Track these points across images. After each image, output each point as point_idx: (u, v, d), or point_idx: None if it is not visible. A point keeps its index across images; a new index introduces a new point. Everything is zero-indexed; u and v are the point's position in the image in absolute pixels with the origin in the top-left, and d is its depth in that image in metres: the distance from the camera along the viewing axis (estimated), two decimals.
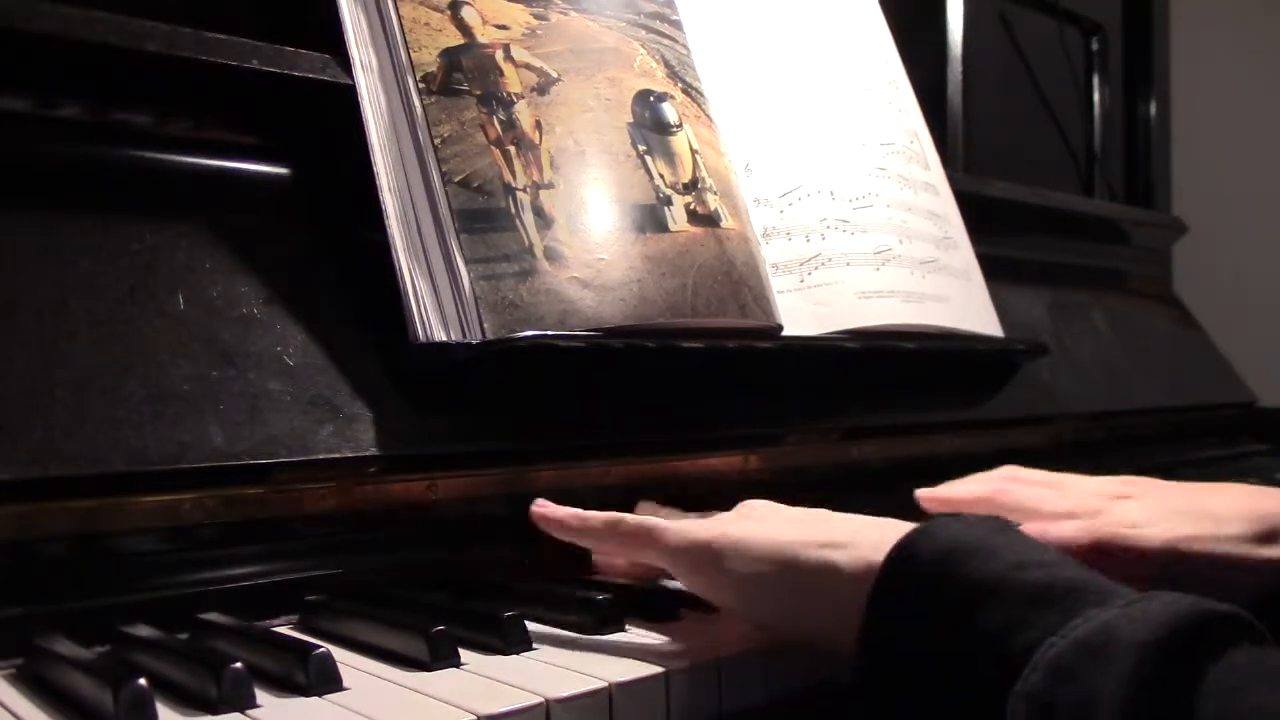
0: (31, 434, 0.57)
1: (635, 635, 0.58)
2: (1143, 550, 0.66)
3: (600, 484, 0.78)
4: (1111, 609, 0.42)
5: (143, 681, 0.45)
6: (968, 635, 0.44)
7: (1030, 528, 0.67)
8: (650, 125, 0.82)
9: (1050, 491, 0.75)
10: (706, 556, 0.56)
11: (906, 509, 0.76)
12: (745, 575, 0.54)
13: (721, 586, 0.56)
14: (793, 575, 0.52)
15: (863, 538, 0.51)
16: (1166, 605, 0.42)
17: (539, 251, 0.73)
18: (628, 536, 0.60)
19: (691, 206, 0.81)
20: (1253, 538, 0.68)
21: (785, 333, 0.86)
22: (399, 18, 0.75)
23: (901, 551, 0.48)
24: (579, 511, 0.63)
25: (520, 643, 0.55)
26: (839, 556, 0.51)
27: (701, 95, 0.88)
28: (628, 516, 0.61)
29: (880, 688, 0.47)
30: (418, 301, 0.70)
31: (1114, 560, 0.66)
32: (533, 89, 0.78)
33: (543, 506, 0.66)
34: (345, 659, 0.53)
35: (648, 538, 0.59)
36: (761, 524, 0.57)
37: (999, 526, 0.50)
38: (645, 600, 0.62)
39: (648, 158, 0.81)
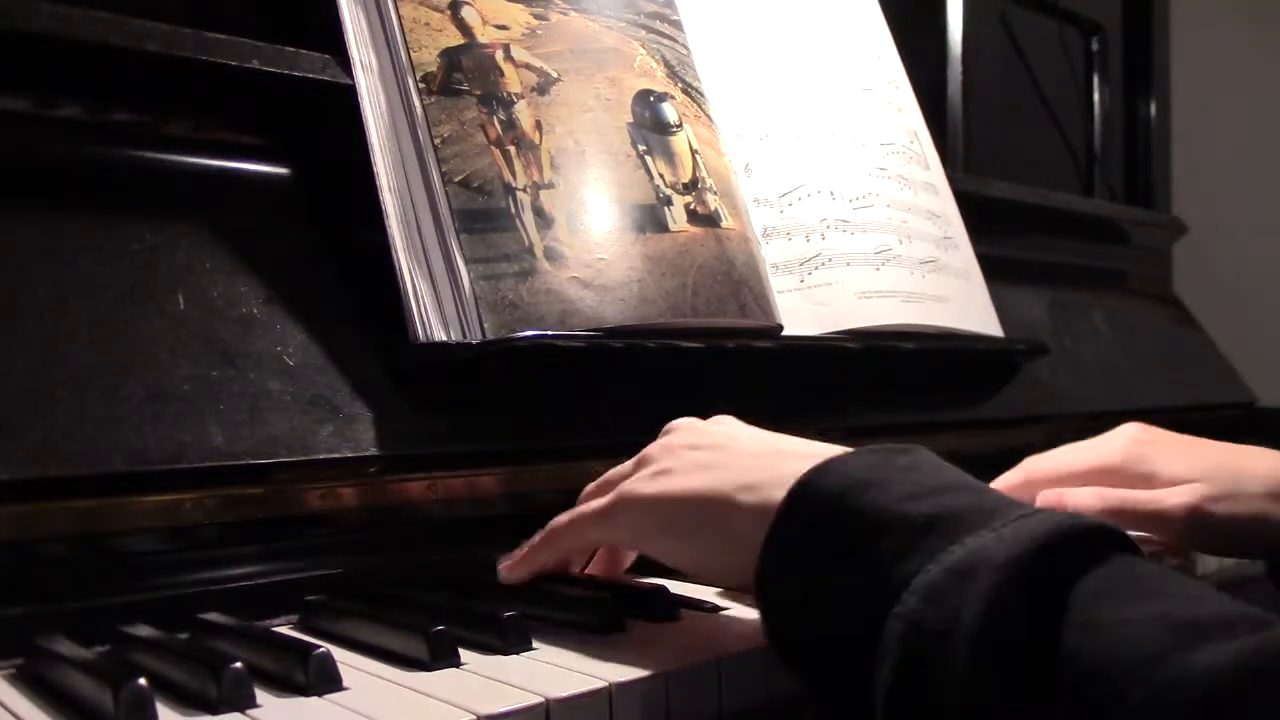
0: (31, 434, 0.57)
1: (635, 635, 0.58)
2: (1162, 514, 0.69)
3: None
4: (986, 533, 0.42)
5: (143, 681, 0.45)
6: (857, 567, 0.45)
7: (1046, 496, 0.71)
8: (650, 125, 0.82)
9: (1068, 453, 0.77)
10: (630, 519, 0.58)
11: None
12: (660, 533, 0.57)
13: (654, 543, 0.58)
14: (706, 523, 0.54)
15: (769, 476, 0.52)
16: (1037, 523, 0.42)
17: (539, 251, 0.73)
18: (563, 534, 0.62)
19: (691, 206, 0.81)
20: (1274, 497, 0.69)
21: (785, 333, 0.86)
22: (399, 18, 0.75)
23: (798, 490, 0.48)
24: (522, 547, 0.65)
25: (520, 643, 0.55)
26: (746, 499, 0.52)
27: (701, 95, 0.88)
28: (556, 520, 0.63)
29: (777, 620, 0.49)
30: (418, 301, 0.70)
31: (1132, 523, 0.69)
32: (533, 89, 0.78)
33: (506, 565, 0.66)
34: (345, 659, 0.53)
35: (573, 529, 0.61)
36: (670, 479, 0.57)
37: (897, 455, 0.50)
38: (645, 600, 0.62)
39: (648, 158, 0.81)
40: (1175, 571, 0.43)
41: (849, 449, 0.52)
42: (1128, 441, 0.76)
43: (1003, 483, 0.78)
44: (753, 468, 0.53)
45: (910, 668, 0.41)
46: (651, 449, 0.60)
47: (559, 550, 0.64)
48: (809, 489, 0.48)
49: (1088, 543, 0.42)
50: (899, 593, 0.42)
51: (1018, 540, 0.41)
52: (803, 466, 0.49)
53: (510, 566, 0.65)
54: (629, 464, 0.62)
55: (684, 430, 0.62)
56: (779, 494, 0.49)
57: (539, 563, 0.64)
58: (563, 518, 0.62)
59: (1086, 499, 0.70)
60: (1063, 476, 0.76)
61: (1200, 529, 0.70)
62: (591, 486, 0.64)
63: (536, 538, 0.64)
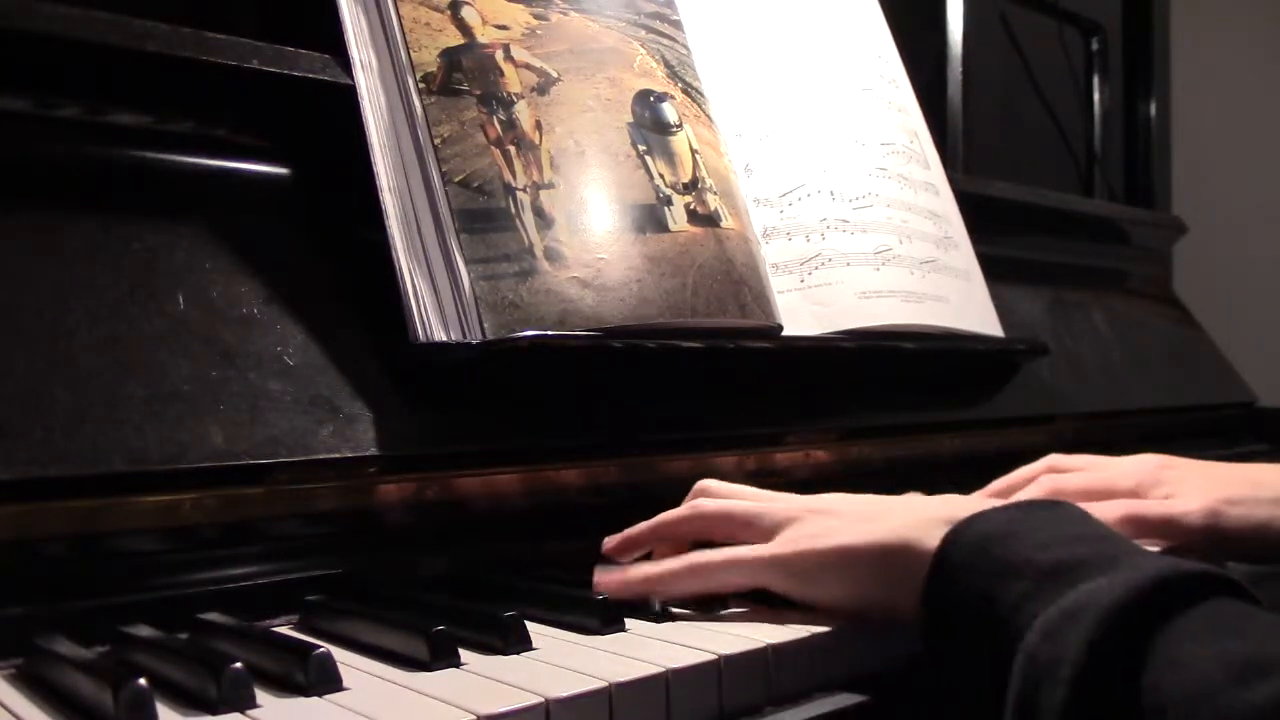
0: (31, 434, 0.57)
1: (635, 635, 0.58)
2: (1178, 522, 0.70)
3: (600, 483, 0.78)
4: (1099, 580, 0.48)
5: (143, 681, 0.45)
6: (995, 609, 0.51)
7: None
8: (650, 125, 0.82)
9: (1091, 474, 0.81)
10: (804, 567, 0.61)
11: None
12: (827, 581, 0.60)
13: (818, 589, 0.61)
14: (883, 567, 0.59)
15: (930, 524, 0.57)
16: (1143, 571, 0.47)
17: (539, 251, 0.73)
18: (715, 571, 0.63)
19: (691, 206, 0.81)
20: None
21: (785, 333, 0.86)
22: (399, 18, 0.75)
23: (948, 539, 0.55)
24: (642, 568, 0.65)
25: (520, 642, 0.55)
26: (911, 546, 0.58)
27: (701, 95, 0.88)
28: (706, 557, 0.63)
29: (937, 651, 0.55)
30: (418, 301, 0.70)
31: (1150, 533, 0.72)
32: (533, 89, 0.78)
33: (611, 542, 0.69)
34: (345, 659, 0.53)
35: (729, 570, 0.63)
36: (838, 520, 0.62)
37: (1034, 507, 0.57)
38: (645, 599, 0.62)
39: (648, 158, 0.81)
40: (1268, 613, 0.47)
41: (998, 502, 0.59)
42: (1147, 465, 0.79)
43: (1021, 478, 0.83)
44: (916, 520, 0.59)
45: (1026, 696, 0.46)
46: (792, 505, 0.65)
47: (705, 588, 0.63)
48: (957, 539, 0.55)
49: (1187, 587, 0.46)
50: (1025, 630, 0.48)
51: (1123, 585, 0.46)
52: (956, 515, 0.56)
53: (625, 586, 0.63)
54: (746, 508, 0.65)
55: (801, 497, 0.67)
56: (938, 540, 0.56)
57: (675, 592, 0.63)
58: (714, 556, 0.63)
59: (1107, 511, 0.73)
60: (1091, 494, 0.79)
61: (1216, 534, 0.72)
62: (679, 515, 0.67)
63: (675, 566, 0.63)
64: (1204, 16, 1.94)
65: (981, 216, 1.12)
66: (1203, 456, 1.37)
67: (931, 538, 0.56)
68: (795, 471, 0.91)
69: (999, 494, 0.84)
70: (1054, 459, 0.85)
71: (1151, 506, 0.74)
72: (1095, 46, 1.68)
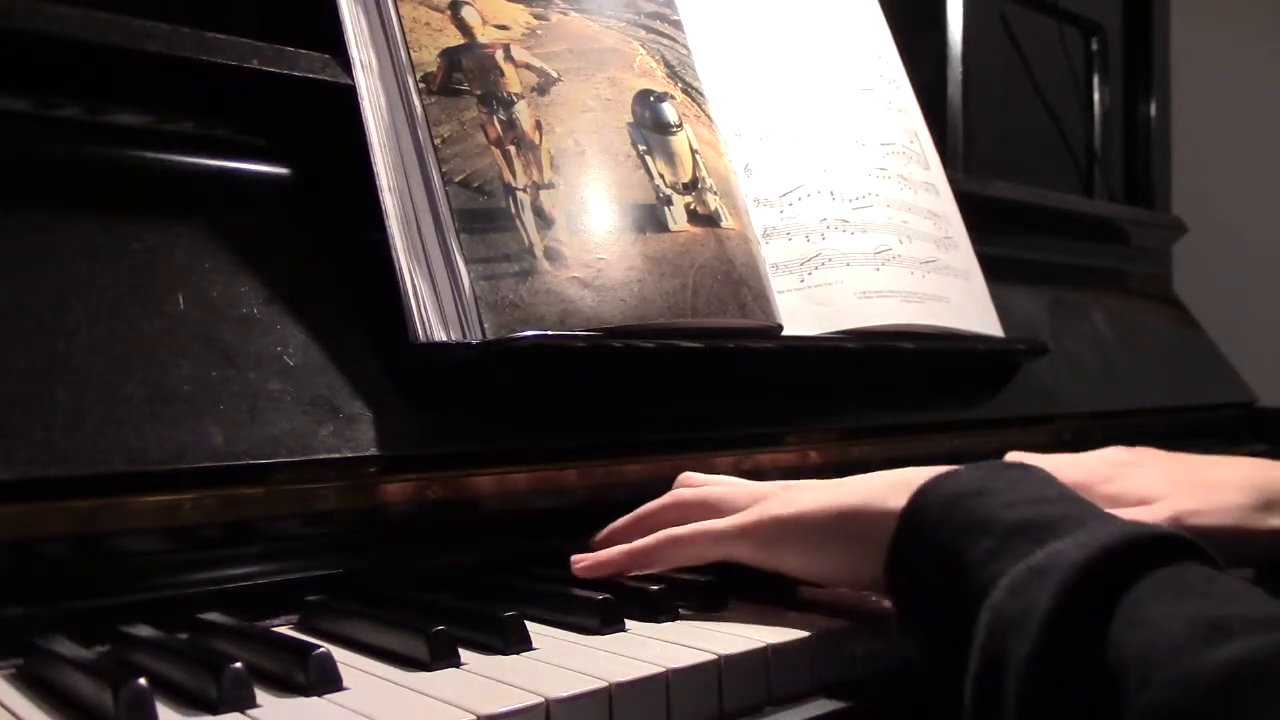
0: (31, 434, 0.57)
1: (635, 635, 0.58)
2: None
3: (600, 483, 0.78)
4: (1066, 539, 0.48)
5: (143, 681, 0.45)
6: (962, 564, 0.52)
7: None
8: (650, 125, 0.82)
9: (1061, 461, 0.78)
10: (767, 534, 0.62)
11: None
12: (794, 545, 0.62)
13: (782, 556, 0.63)
14: (842, 530, 0.60)
15: (892, 490, 0.58)
16: (1110, 531, 0.47)
17: (539, 251, 0.73)
18: (683, 544, 0.65)
19: (691, 206, 0.81)
20: (1255, 508, 0.69)
21: (785, 333, 0.86)
22: (399, 18, 0.75)
23: (918, 497, 0.56)
24: (615, 550, 0.67)
25: (520, 642, 0.55)
26: (875, 508, 0.58)
27: (701, 95, 0.88)
28: (674, 532, 0.66)
29: (904, 608, 0.56)
30: (418, 301, 0.70)
31: None
32: (533, 89, 0.78)
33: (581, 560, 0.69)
34: (345, 659, 0.53)
35: (696, 542, 0.65)
36: (804, 494, 0.64)
37: (1004, 468, 0.57)
38: (645, 599, 0.62)
39: (648, 158, 0.81)
40: (1231, 577, 0.47)
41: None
42: (1100, 462, 0.77)
43: None
44: (877, 485, 0.60)
45: (991, 651, 0.47)
46: (765, 486, 0.68)
47: (673, 561, 0.66)
48: (926, 496, 0.55)
49: (1154, 549, 0.47)
50: (990, 586, 0.49)
51: (1090, 545, 0.47)
52: (919, 481, 0.56)
53: (598, 565, 0.66)
54: (722, 492, 0.68)
55: (784, 482, 0.69)
56: (901, 501, 0.56)
57: (642, 566, 0.66)
58: (683, 530, 0.65)
59: None
60: None
61: None
62: (655, 506, 0.70)
63: (648, 542, 0.66)
64: (1204, 16, 1.94)
65: (981, 216, 1.12)
66: (1202, 456, 1.37)
67: (895, 499, 0.57)
68: (795, 472, 0.91)
69: None
70: (1016, 456, 0.83)
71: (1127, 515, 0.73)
72: (1095, 46, 1.68)
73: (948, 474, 0.57)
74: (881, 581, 0.57)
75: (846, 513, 0.60)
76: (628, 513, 0.71)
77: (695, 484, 0.71)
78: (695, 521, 0.67)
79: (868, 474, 0.64)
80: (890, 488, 0.58)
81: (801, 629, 0.58)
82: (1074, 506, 0.53)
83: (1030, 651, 0.45)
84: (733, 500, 0.67)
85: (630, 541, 0.68)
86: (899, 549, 0.56)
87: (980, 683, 0.47)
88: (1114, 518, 0.52)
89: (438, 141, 0.73)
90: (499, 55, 0.78)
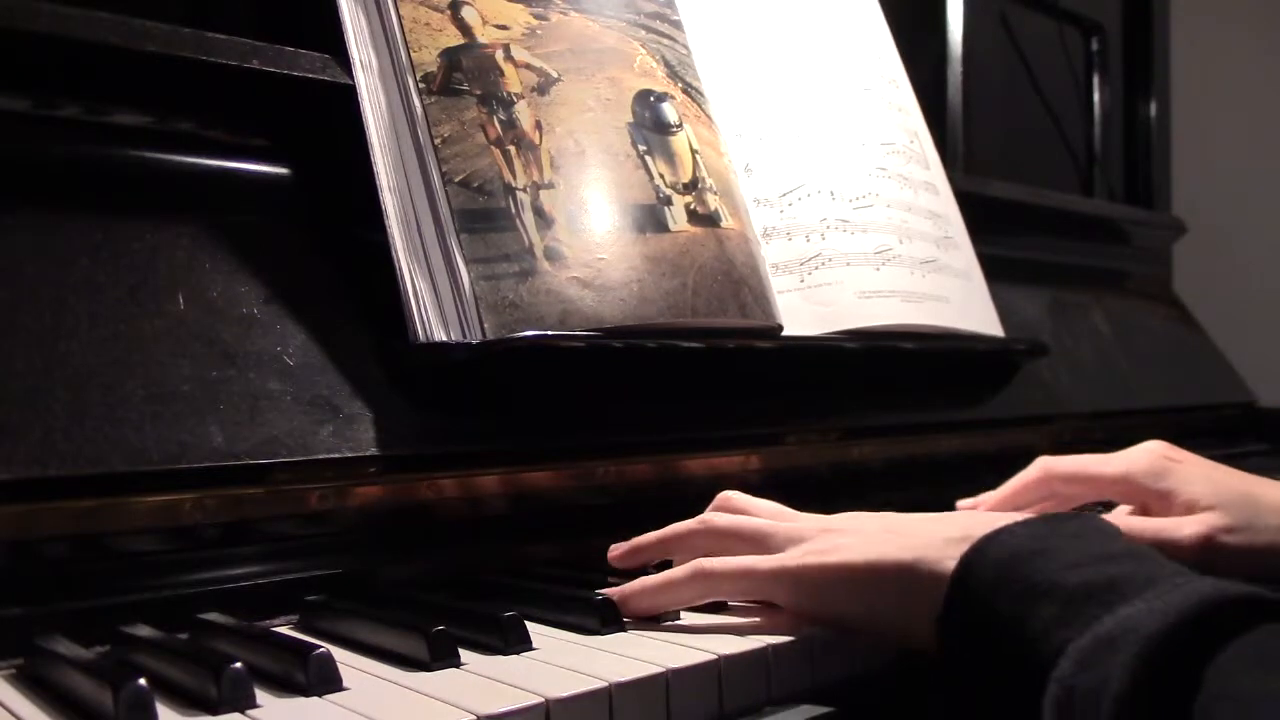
0: (31, 434, 0.57)
1: (635, 635, 0.58)
2: (1175, 543, 0.68)
3: (600, 484, 0.78)
4: (1136, 604, 0.45)
5: (143, 681, 0.45)
6: (1023, 632, 0.49)
7: None
8: (650, 125, 0.82)
9: (1084, 457, 0.78)
10: (809, 583, 0.59)
11: (906, 509, 0.76)
12: (834, 597, 0.58)
13: (825, 606, 0.59)
14: (892, 587, 0.56)
15: (946, 543, 0.55)
16: (1185, 595, 0.45)
17: (539, 251, 0.73)
18: (720, 580, 0.61)
19: (691, 206, 0.81)
20: None
21: (785, 333, 0.86)
22: (399, 18, 0.75)
23: (969, 558, 0.53)
24: (651, 579, 0.63)
25: (520, 643, 0.55)
26: (925, 565, 0.55)
27: (701, 95, 0.88)
28: (710, 565, 0.61)
29: (958, 671, 0.53)
30: (418, 301, 0.70)
31: None
32: (533, 89, 0.78)
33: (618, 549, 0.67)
34: (345, 659, 0.53)
35: (738, 581, 0.61)
36: (848, 538, 0.60)
37: (1062, 521, 0.54)
38: None
39: (648, 158, 0.81)
40: None
41: (1019, 516, 0.56)
42: (1150, 456, 0.76)
43: (1019, 480, 0.80)
44: (929, 539, 0.56)
45: None
46: (804, 525, 0.63)
47: (706, 597, 0.61)
48: (982, 556, 0.52)
49: (1235, 612, 0.44)
50: (1057, 657, 0.46)
51: (1165, 612, 0.44)
52: (974, 532, 0.54)
53: (639, 594, 0.61)
54: (757, 526, 0.63)
55: (825, 517, 0.65)
56: (954, 559, 0.53)
57: (681, 600, 0.61)
58: (720, 565, 0.61)
59: None
60: (1080, 477, 0.78)
61: (1213, 559, 0.69)
62: (686, 527, 0.65)
63: (679, 575, 0.61)
64: (1204, 16, 1.94)
65: (981, 216, 1.12)
66: (1203, 456, 1.37)
67: (947, 557, 0.54)
68: (795, 471, 0.91)
69: (999, 506, 0.81)
70: (1045, 460, 0.82)
71: (1147, 526, 0.71)
72: (1095, 46, 1.68)
73: (1003, 531, 0.53)
74: (931, 643, 0.54)
75: (896, 569, 0.56)
76: (627, 513, 0.71)
77: (733, 506, 0.68)
78: (724, 549, 0.63)
79: (916, 516, 0.61)
80: (944, 542, 0.55)
81: (803, 629, 0.58)
82: (1138, 565, 0.50)
83: None
84: (770, 537, 0.62)
85: (650, 558, 0.67)
86: (953, 613, 0.53)
87: None
88: (1183, 573, 0.49)
89: (438, 141, 0.73)
90: (499, 55, 0.78)
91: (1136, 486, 0.75)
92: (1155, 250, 1.65)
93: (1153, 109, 1.76)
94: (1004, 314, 1.08)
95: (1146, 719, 0.42)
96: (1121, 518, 0.73)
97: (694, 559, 0.62)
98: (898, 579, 0.56)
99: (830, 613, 0.59)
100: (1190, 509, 0.71)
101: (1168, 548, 0.68)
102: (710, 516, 0.66)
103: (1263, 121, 2.03)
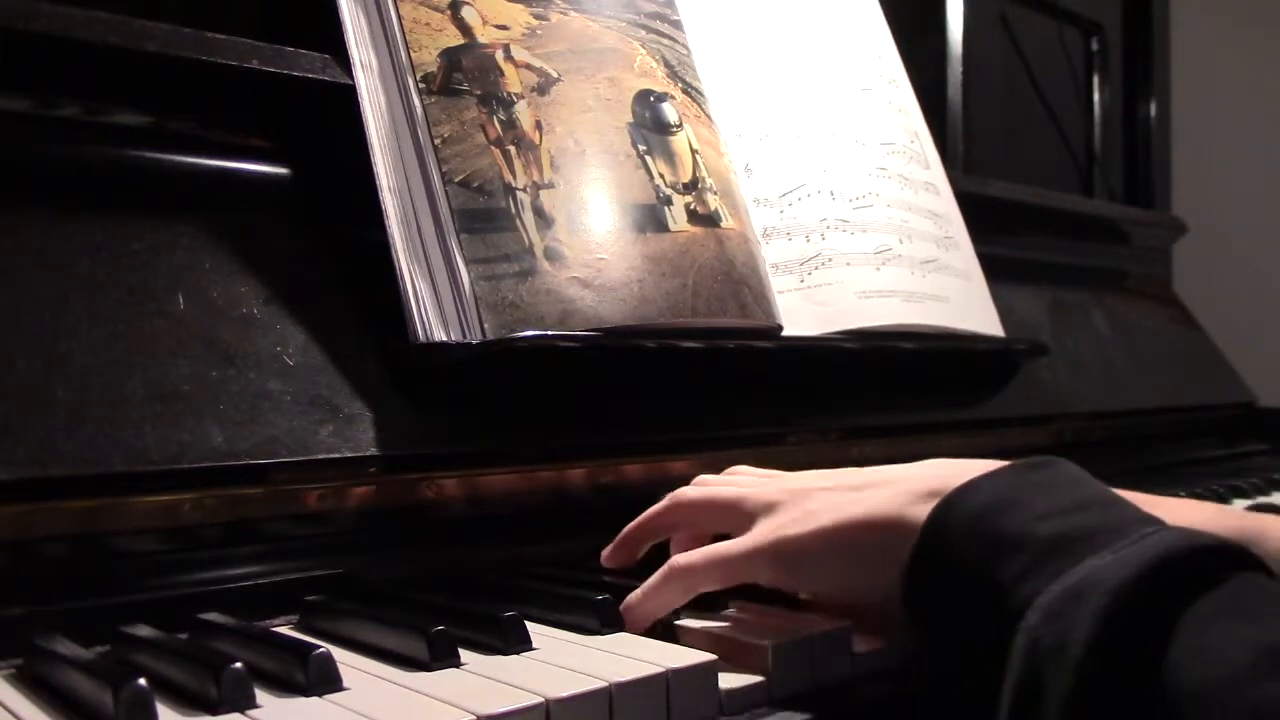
0: (31, 434, 0.57)
1: (636, 635, 0.58)
2: None
3: (600, 484, 0.78)
4: (1106, 554, 0.45)
5: (143, 681, 0.45)
6: (993, 585, 0.48)
7: None
8: (650, 125, 0.82)
9: None
10: (785, 557, 0.58)
11: None
12: (813, 566, 0.58)
13: (806, 578, 0.59)
14: (864, 545, 0.56)
15: (915, 498, 0.54)
16: (1152, 545, 0.44)
17: (539, 251, 0.73)
18: (698, 573, 0.59)
19: (692, 206, 0.81)
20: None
21: (785, 333, 0.86)
22: (399, 18, 0.75)
23: (938, 513, 0.52)
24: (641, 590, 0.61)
25: (520, 643, 0.55)
26: (900, 521, 0.54)
27: (701, 95, 0.88)
28: (686, 559, 0.60)
29: (927, 627, 0.53)
30: (418, 301, 0.70)
31: None
32: (533, 89, 0.78)
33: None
34: (345, 659, 0.53)
35: (711, 570, 0.59)
36: (818, 501, 0.59)
37: (1034, 470, 0.53)
38: None
39: (648, 158, 0.81)
40: None
41: (991, 464, 0.54)
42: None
43: None
44: (898, 493, 0.56)
45: (1028, 681, 0.44)
46: (774, 488, 0.62)
47: (689, 593, 0.60)
48: (951, 510, 0.52)
49: (1205, 562, 0.43)
50: (1025, 609, 0.45)
51: (1130, 563, 0.43)
52: (944, 487, 0.53)
53: (628, 610, 0.59)
54: (729, 494, 0.63)
55: (784, 476, 0.64)
56: (924, 513, 0.53)
57: (666, 604, 0.59)
58: (693, 557, 0.59)
59: None
60: None
61: None
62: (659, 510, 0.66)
63: (655, 581, 0.59)
64: (1204, 16, 1.94)
65: (981, 216, 1.12)
66: (1202, 456, 1.37)
67: (920, 511, 0.53)
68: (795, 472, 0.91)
69: None
70: None
71: None
72: (1095, 46, 1.68)
73: (972, 485, 0.52)
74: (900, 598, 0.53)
75: (867, 526, 0.55)
76: (628, 512, 0.71)
77: (703, 481, 0.68)
78: (700, 523, 0.64)
79: (884, 470, 0.60)
80: (912, 497, 0.54)
81: (802, 629, 0.58)
82: (1111, 511, 0.49)
83: (1072, 684, 0.41)
84: (739, 505, 0.62)
85: (636, 546, 0.67)
86: (921, 568, 0.52)
87: (1017, 715, 0.44)
88: (1154, 521, 0.48)
89: (438, 141, 0.73)
90: (499, 55, 0.78)
91: None
92: (1155, 250, 1.65)
93: (1153, 109, 1.76)
94: (1004, 314, 1.08)
95: (1111, 670, 0.41)
96: None
97: (702, 537, 0.62)
98: (872, 534, 0.55)
99: (814, 584, 0.59)
100: None
101: None
102: (680, 491, 0.66)
103: (1263, 121, 2.03)
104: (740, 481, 0.66)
